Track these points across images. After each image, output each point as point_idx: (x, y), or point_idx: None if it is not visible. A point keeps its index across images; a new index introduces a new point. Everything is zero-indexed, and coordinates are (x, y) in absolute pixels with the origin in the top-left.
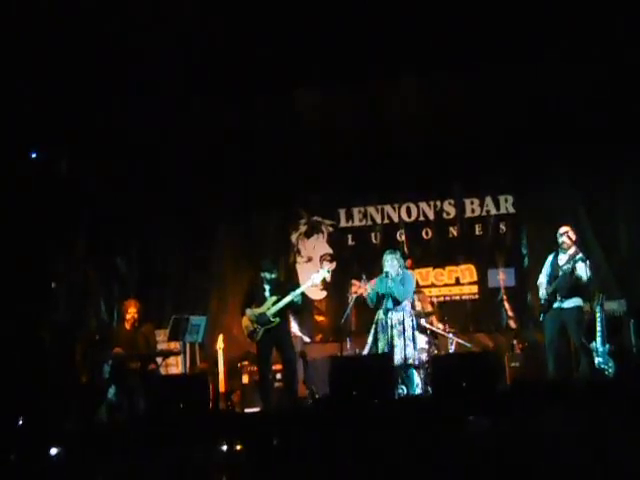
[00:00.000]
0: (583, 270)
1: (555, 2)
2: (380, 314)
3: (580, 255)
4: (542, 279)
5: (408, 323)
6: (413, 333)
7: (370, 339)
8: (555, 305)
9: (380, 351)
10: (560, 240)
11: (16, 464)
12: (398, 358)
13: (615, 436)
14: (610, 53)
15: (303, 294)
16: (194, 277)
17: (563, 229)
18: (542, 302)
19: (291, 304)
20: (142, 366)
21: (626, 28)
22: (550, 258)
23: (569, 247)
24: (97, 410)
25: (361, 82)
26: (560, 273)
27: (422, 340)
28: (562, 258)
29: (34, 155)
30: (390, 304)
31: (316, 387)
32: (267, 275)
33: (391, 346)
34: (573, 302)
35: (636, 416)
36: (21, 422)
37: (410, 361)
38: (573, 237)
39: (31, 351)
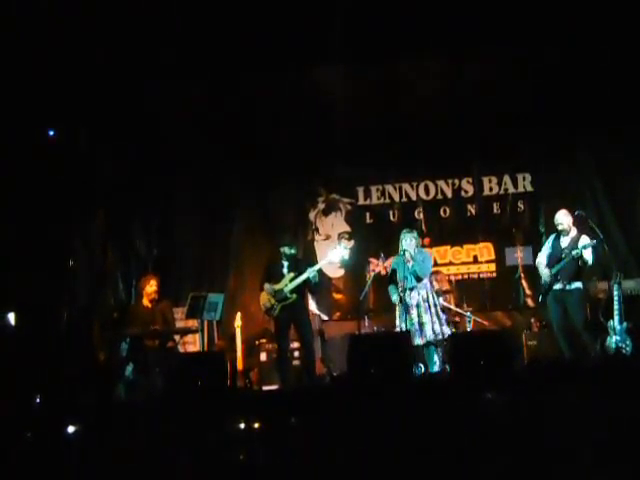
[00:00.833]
0: (590, 255)
1: None
2: (400, 294)
3: (587, 241)
4: (542, 259)
5: (431, 299)
6: (437, 309)
7: (397, 320)
8: (556, 287)
9: (404, 329)
10: (559, 228)
11: (33, 442)
12: (430, 334)
13: (632, 414)
14: (627, 36)
15: (320, 272)
16: (212, 255)
17: (559, 216)
18: (542, 283)
19: (307, 282)
20: (160, 344)
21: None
22: (551, 239)
23: (570, 230)
24: (114, 388)
25: (381, 61)
26: (564, 256)
27: (443, 317)
28: (564, 240)
29: (52, 132)
30: (414, 282)
31: (334, 365)
32: (286, 250)
33: (420, 324)
34: (575, 285)
35: None
36: (38, 400)
37: (440, 336)
38: (570, 220)
39: (49, 329)
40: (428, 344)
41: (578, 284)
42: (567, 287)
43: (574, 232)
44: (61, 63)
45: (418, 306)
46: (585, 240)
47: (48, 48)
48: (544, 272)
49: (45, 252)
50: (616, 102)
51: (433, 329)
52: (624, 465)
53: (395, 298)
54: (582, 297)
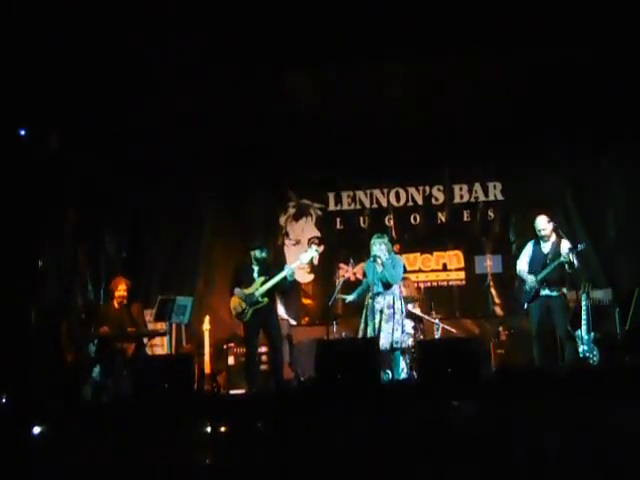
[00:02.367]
0: (576, 259)
1: None
2: (368, 299)
3: (569, 245)
4: (523, 266)
5: (398, 307)
6: (402, 317)
7: (362, 324)
8: (543, 293)
9: (369, 335)
10: (542, 233)
11: None
12: (385, 342)
13: (598, 424)
14: (593, 40)
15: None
16: (181, 258)
17: (540, 221)
18: (528, 290)
19: (282, 282)
20: (128, 346)
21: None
22: (530, 245)
23: (550, 235)
24: (81, 390)
25: (351, 66)
26: (549, 262)
27: (408, 325)
28: (545, 246)
29: (23, 132)
30: (380, 288)
31: (301, 370)
32: (257, 253)
33: (379, 330)
34: (561, 291)
35: (620, 404)
36: (4, 400)
37: (397, 345)
38: (551, 225)
39: (16, 329)
40: (394, 350)
41: (563, 290)
42: (553, 293)
43: (554, 237)
44: (33, 63)
45: (382, 312)
46: (567, 244)
47: (20, 48)
48: (529, 278)
49: (14, 251)
50: (585, 112)
51: (392, 338)
52: (590, 471)
53: (350, 298)
54: (567, 303)
